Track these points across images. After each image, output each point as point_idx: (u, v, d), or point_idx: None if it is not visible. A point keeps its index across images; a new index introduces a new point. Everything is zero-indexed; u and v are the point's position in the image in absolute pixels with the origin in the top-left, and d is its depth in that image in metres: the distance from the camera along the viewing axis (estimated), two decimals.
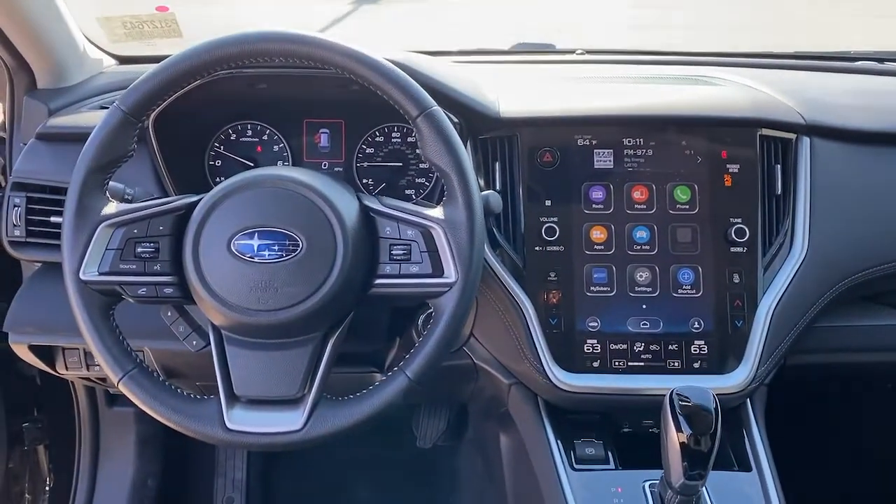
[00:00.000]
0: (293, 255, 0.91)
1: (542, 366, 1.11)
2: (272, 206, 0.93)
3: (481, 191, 0.99)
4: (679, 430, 0.91)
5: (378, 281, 0.94)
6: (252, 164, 1.27)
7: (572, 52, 1.65)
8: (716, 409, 0.91)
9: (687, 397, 0.92)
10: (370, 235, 0.95)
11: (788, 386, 1.22)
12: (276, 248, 0.91)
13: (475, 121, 1.16)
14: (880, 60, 1.66)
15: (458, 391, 1.35)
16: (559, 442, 1.11)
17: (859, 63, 1.64)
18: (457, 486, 1.80)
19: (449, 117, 1.14)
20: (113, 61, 1.52)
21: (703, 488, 1.02)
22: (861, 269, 1.18)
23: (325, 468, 1.87)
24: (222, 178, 1.13)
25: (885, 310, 1.27)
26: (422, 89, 0.95)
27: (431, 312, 1.17)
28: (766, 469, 1.07)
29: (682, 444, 0.91)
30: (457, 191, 0.93)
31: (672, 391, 0.93)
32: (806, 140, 1.19)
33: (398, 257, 0.93)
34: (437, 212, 0.95)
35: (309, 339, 0.93)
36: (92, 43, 1.47)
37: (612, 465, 1.09)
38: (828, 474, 1.66)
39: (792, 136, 1.19)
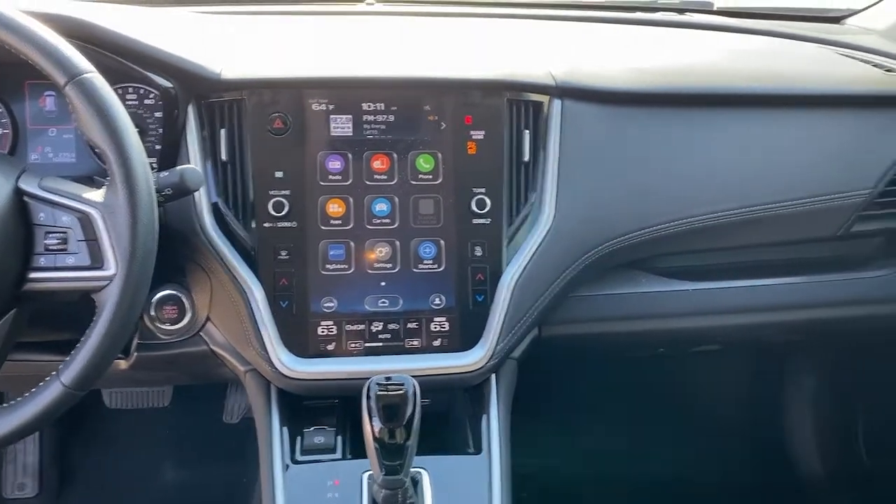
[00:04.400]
0: None
1: (267, 353, 1.04)
2: None
3: (170, 168, 0.89)
4: (372, 421, 0.86)
5: (32, 275, 0.84)
6: None
7: (361, 0, 1.54)
8: (414, 397, 0.87)
9: (386, 385, 0.86)
10: (24, 223, 0.85)
11: (547, 357, 1.19)
12: None
13: (194, 83, 1.05)
14: (681, 11, 1.61)
15: (215, 374, 1.27)
16: (286, 431, 1.05)
17: (659, 14, 1.59)
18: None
19: (157, 81, 1.05)
20: None
21: (423, 473, 0.98)
22: (613, 236, 1.14)
23: (127, 448, 1.78)
24: None
25: (647, 276, 1.24)
26: (72, 52, 0.84)
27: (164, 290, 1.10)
28: (496, 451, 1.03)
29: (375, 436, 0.86)
30: (115, 171, 0.83)
31: (371, 380, 0.88)
32: (557, 103, 1.12)
33: (53, 247, 0.83)
34: (97, 195, 0.85)
35: None
36: None
37: (338, 455, 1.04)
38: (589, 439, 1.70)
39: (543, 98, 1.12)
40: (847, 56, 1.38)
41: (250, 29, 1.27)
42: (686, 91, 1.20)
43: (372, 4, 1.53)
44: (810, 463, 1.83)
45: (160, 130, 1.09)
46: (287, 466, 1.02)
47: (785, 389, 1.89)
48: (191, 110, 1.06)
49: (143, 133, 1.12)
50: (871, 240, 1.34)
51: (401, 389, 0.86)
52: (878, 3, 1.53)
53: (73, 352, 0.83)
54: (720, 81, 1.24)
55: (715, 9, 1.64)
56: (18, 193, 0.85)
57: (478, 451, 1.05)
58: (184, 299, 1.09)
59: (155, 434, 1.78)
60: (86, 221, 0.83)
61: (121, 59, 1.03)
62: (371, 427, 0.86)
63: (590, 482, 1.74)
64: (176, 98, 1.05)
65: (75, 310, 0.93)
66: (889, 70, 1.33)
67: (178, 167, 0.94)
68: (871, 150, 1.24)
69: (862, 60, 1.35)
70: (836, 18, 1.61)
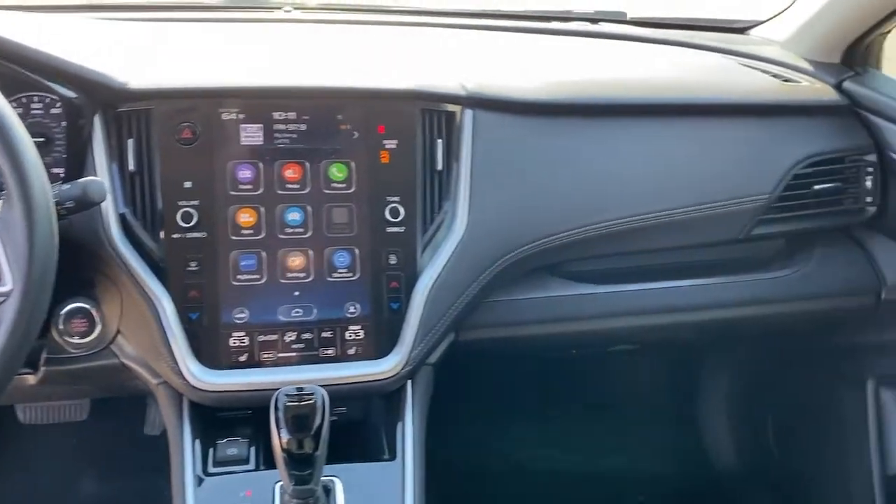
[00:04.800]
0: None
1: (178, 365, 1.03)
2: None
3: (75, 179, 0.88)
4: (280, 433, 0.86)
5: None
6: None
7: (279, 7, 1.54)
8: (323, 408, 0.87)
9: (294, 396, 0.87)
10: None
11: (467, 361, 1.21)
12: None
13: (99, 93, 1.03)
14: (594, 20, 1.65)
15: (127, 387, 1.25)
16: (199, 444, 1.04)
17: (573, 24, 1.63)
18: None
19: (61, 91, 1.03)
20: None
21: (336, 481, 0.99)
22: (525, 242, 1.17)
23: (44, 464, 1.73)
24: None
25: (559, 280, 1.27)
26: None
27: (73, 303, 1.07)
28: (410, 456, 1.05)
29: (283, 447, 0.86)
30: (11, 186, 0.81)
31: (279, 391, 0.88)
32: (469, 112, 1.14)
33: None
34: None
35: None
36: None
37: (252, 466, 1.03)
38: (509, 439, 1.74)
39: (456, 108, 1.14)
40: (749, 66, 1.44)
41: (164, 37, 1.25)
42: (594, 102, 1.24)
43: (290, 12, 1.52)
44: (724, 456, 1.90)
45: (66, 140, 1.07)
46: (199, 479, 1.01)
47: (701, 386, 1.96)
48: (97, 120, 1.05)
49: (49, 143, 1.10)
50: (773, 242, 1.40)
51: (310, 400, 0.86)
52: (778, 15, 1.60)
53: None
54: (628, 92, 1.28)
55: (628, 18, 1.69)
56: None
57: (392, 457, 1.06)
58: (93, 312, 1.07)
59: (73, 449, 1.73)
60: None
61: (21, 69, 1.00)
62: (279, 438, 0.86)
63: (510, 482, 1.77)
64: (81, 108, 1.03)
65: None
66: (786, 80, 1.39)
67: (81, 180, 0.92)
68: (770, 158, 1.30)
69: (762, 71, 1.41)
70: (741, 29, 1.67)
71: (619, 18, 1.68)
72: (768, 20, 1.63)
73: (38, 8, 1.48)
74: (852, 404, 1.53)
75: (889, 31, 1.43)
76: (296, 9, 1.53)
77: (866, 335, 1.49)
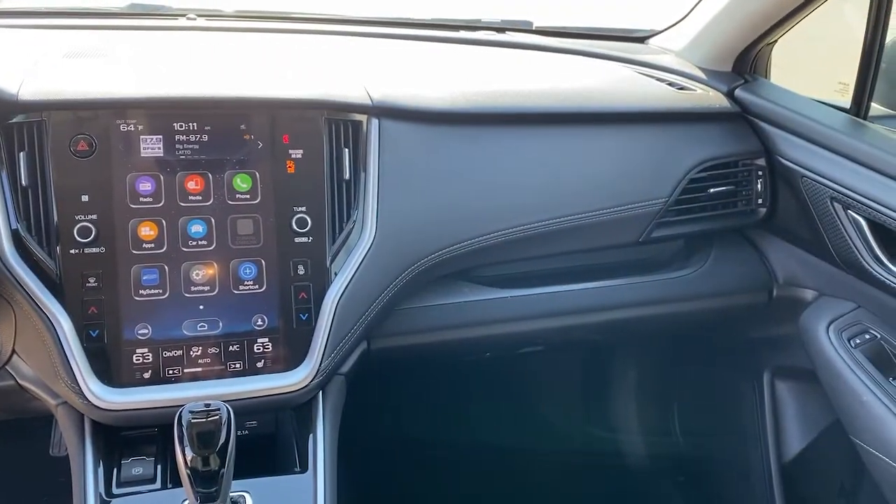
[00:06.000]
0: None
1: (78, 384, 1.00)
2: None
3: None
4: (183, 450, 0.85)
5: None
6: None
7: (183, 15, 1.51)
8: (228, 424, 0.86)
9: (198, 413, 0.86)
10: None
11: (380, 369, 1.22)
12: None
13: None
14: (501, 30, 1.69)
15: (25, 408, 1.20)
16: (101, 465, 1.01)
17: (481, 33, 1.66)
18: None
19: None
20: None
21: (246, 496, 0.98)
22: (433, 250, 1.18)
23: None
24: None
25: (470, 286, 1.29)
26: None
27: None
28: (321, 467, 1.05)
29: (187, 465, 0.85)
30: None
31: (183, 407, 0.86)
32: (375, 122, 1.15)
33: None
34: None
35: None
36: None
37: (158, 485, 1.01)
38: (426, 443, 1.77)
39: (362, 117, 1.15)
40: (646, 75, 1.50)
41: (61, 45, 1.21)
42: (497, 111, 1.26)
43: (194, 20, 1.50)
44: (635, 444, 1.97)
45: None
46: (103, 501, 0.98)
47: (610, 381, 2.03)
48: None
49: None
50: (672, 244, 1.47)
51: (215, 416, 0.85)
52: (675, 25, 1.68)
53: None
54: (531, 102, 1.31)
55: (534, 27, 1.74)
56: None
57: (304, 469, 1.06)
58: None
59: None
60: None
61: None
62: (184, 456, 0.85)
63: (425, 487, 1.79)
64: None
65: None
66: (681, 88, 1.46)
67: None
68: (666, 163, 1.36)
69: (658, 79, 1.48)
70: (640, 38, 1.74)
71: (525, 28, 1.73)
72: (665, 30, 1.71)
73: None
74: (750, 395, 1.62)
75: (775, 41, 1.51)
76: (199, 16, 1.51)
77: (761, 330, 1.57)
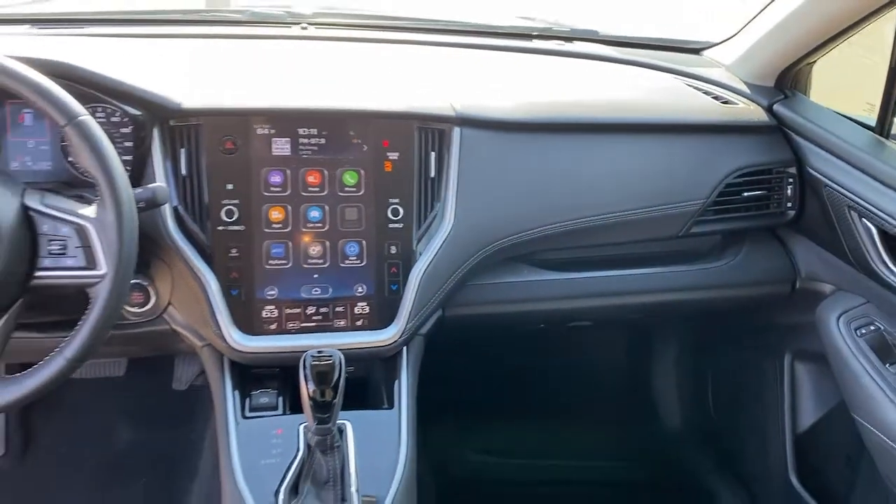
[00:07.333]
0: None
1: (222, 331, 1.28)
2: None
3: (147, 183, 1.11)
4: (307, 384, 1.12)
5: (39, 273, 1.07)
6: None
7: (297, 23, 1.76)
8: (340, 366, 1.13)
9: (318, 357, 1.13)
10: (30, 232, 1.07)
11: (453, 332, 1.48)
12: None
13: (159, 112, 1.28)
14: (569, 39, 1.89)
15: (173, 348, 1.51)
16: (237, 394, 1.31)
17: (552, 43, 1.87)
18: (210, 424, 1.99)
19: (129, 110, 1.27)
20: None
21: (347, 424, 1.25)
22: (500, 237, 1.43)
23: (85, 413, 1.99)
24: None
25: (529, 268, 1.54)
26: (67, 97, 1.05)
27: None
28: (405, 407, 1.32)
29: (309, 396, 1.12)
30: (106, 195, 1.06)
31: (307, 353, 1.13)
32: (457, 130, 1.39)
33: (55, 252, 1.06)
34: (90, 210, 1.08)
35: None
36: None
37: (280, 412, 1.30)
38: (486, 399, 2.04)
39: (446, 126, 1.39)
40: (694, 87, 1.70)
41: (197, 55, 1.49)
42: (562, 121, 1.49)
43: (306, 29, 1.75)
44: (670, 417, 2.20)
45: (127, 145, 1.30)
46: (238, 422, 1.28)
47: (652, 355, 2.26)
48: (156, 133, 1.28)
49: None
50: (709, 238, 1.67)
51: (330, 360, 1.12)
52: (727, 40, 1.85)
53: (72, 333, 1.06)
54: (592, 112, 1.53)
55: (598, 37, 1.93)
56: (25, 209, 1.07)
57: (391, 406, 1.33)
58: (148, 288, 1.33)
59: (111, 401, 1.99)
60: (82, 232, 1.06)
61: (97, 92, 1.24)
62: (307, 389, 1.12)
63: (482, 423, 2.10)
64: (143, 123, 1.27)
65: (66, 301, 1.16)
66: (725, 102, 1.65)
67: (151, 185, 1.16)
68: (706, 168, 1.56)
69: (704, 92, 1.67)
70: (696, 50, 1.92)
71: (591, 37, 1.92)
72: (719, 43, 1.88)
73: (79, 16, 1.70)
74: (771, 373, 1.82)
75: (815, 61, 1.68)
76: (311, 25, 1.76)
77: (784, 317, 1.78)
